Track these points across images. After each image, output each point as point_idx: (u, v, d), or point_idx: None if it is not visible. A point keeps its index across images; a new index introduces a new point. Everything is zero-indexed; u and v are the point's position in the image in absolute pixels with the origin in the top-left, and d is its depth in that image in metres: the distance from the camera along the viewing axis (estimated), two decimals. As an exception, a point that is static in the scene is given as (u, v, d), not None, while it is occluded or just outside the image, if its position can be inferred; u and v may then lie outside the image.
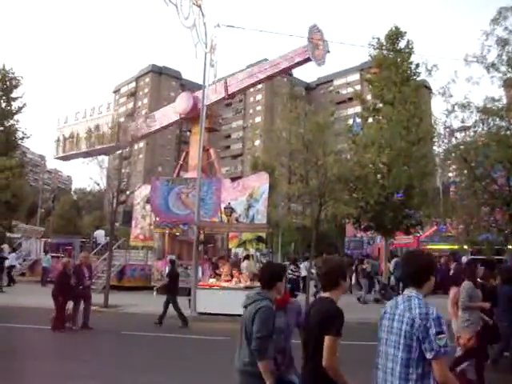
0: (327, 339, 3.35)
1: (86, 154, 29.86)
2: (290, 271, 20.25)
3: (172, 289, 14.15)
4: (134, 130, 28.51)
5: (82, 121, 33.01)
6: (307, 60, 26.76)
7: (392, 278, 22.42)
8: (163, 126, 33.93)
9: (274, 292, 4.13)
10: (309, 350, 3.54)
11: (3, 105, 34.55)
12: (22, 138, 36.00)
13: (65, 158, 36.29)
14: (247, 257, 19.25)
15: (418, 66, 23.21)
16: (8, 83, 34.75)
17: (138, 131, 29.38)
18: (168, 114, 33.14)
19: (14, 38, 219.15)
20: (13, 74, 35.01)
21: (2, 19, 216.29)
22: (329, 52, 26.86)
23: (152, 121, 33.27)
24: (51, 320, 12.20)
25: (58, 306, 12.42)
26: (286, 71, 27.66)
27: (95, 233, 32.52)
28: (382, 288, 21.21)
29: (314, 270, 18.32)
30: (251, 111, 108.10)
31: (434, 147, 21.36)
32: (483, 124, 17.37)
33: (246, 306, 4.11)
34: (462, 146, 17.80)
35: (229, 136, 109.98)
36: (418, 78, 23.65)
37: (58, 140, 34.75)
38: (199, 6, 17.67)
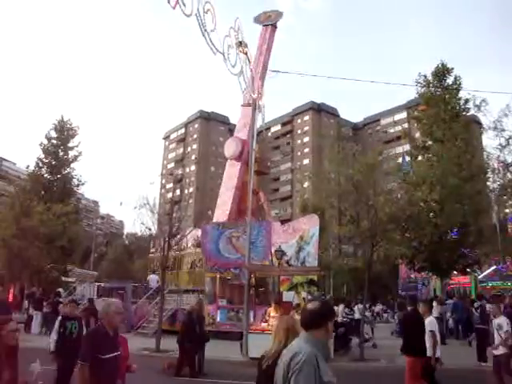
0: None
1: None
2: (343, 314, 19.81)
3: None
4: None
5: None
6: (274, 29, 31.62)
7: (450, 321, 21.54)
8: (235, 186, 31.63)
9: None
10: None
11: (61, 154, 35.93)
12: (78, 185, 37.16)
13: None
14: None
15: (467, 101, 22.93)
16: (65, 133, 36.23)
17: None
18: (230, 175, 32.64)
19: (66, 85, 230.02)
20: (70, 124, 36.53)
21: (58, 73, 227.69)
22: (278, 11, 32.66)
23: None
24: (167, 366, 12.51)
25: (185, 352, 12.56)
26: (270, 51, 30.96)
27: (149, 277, 32.85)
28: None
29: (368, 313, 17.86)
30: (299, 153, 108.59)
31: (488, 183, 20.80)
32: (540, 157, 16.88)
33: None
34: (518, 181, 17.28)
35: (277, 179, 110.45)
36: (468, 114, 23.30)
37: (148, 268, 32.78)
38: (245, 54, 18.11)
